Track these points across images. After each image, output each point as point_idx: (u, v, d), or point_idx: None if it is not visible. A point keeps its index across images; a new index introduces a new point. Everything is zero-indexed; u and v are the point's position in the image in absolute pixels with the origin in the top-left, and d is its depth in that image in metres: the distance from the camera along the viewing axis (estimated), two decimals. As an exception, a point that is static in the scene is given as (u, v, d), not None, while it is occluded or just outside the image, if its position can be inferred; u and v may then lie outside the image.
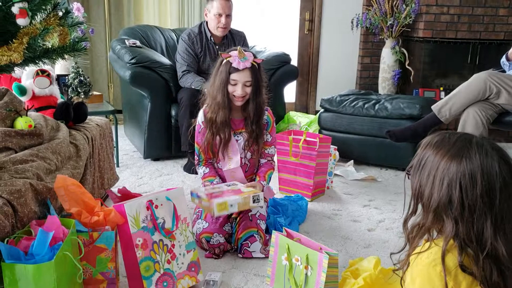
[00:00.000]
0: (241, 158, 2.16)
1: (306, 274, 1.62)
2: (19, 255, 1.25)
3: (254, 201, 1.93)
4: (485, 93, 2.70)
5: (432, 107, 2.86)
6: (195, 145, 2.21)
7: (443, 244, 1.09)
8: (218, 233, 2.00)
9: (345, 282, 1.63)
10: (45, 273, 1.22)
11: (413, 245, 1.19)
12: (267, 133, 2.22)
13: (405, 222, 1.23)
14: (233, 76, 2.04)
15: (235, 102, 2.10)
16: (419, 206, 1.19)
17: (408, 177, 1.21)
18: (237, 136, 2.18)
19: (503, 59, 2.93)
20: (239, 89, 2.05)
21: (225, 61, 2.06)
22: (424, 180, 1.14)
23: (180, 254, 1.70)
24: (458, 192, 1.07)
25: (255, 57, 2.08)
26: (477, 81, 2.72)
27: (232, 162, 2.16)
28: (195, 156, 2.22)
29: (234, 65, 2.03)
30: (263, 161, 2.25)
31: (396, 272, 1.28)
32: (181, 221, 1.73)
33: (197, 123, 2.20)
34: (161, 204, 1.67)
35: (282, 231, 1.82)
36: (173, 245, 1.68)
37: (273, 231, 1.77)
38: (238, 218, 2.08)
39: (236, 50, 2.05)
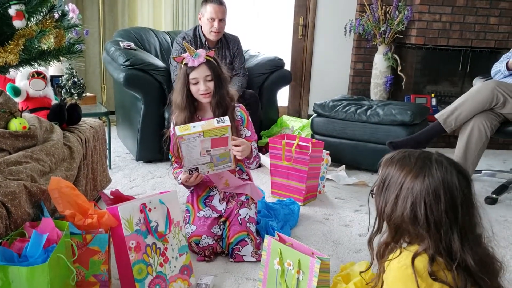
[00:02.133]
0: None
1: (297, 278, 1.63)
2: (12, 257, 1.26)
3: (218, 122, 1.91)
4: (491, 103, 2.67)
5: (436, 116, 2.83)
6: (170, 153, 2.23)
7: (415, 251, 1.14)
8: (207, 235, 2.01)
9: (336, 287, 1.65)
10: (39, 275, 1.22)
11: (382, 262, 1.22)
12: (244, 128, 2.19)
13: (370, 241, 1.28)
14: (192, 75, 2.05)
15: (202, 100, 2.10)
16: (384, 225, 1.22)
17: (372, 197, 1.25)
18: None
19: (502, 68, 2.91)
20: (201, 85, 2.05)
21: (181, 65, 2.08)
22: (389, 199, 1.17)
23: (172, 257, 1.71)
24: (423, 210, 1.11)
25: (208, 53, 2.09)
26: (485, 90, 2.69)
27: None
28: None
29: (190, 64, 2.04)
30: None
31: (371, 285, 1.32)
32: (174, 225, 1.73)
33: (170, 129, 2.20)
34: (155, 207, 1.68)
35: (274, 235, 1.83)
36: (165, 249, 1.68)
37: (265, 235, 1.78)
38: (227, 223, 2.08)
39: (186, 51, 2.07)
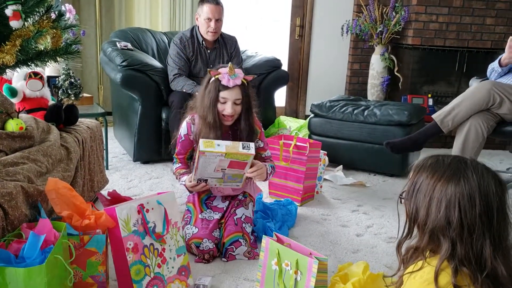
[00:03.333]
0: None
1: (295, 279, 1.63)
2: (9, 258, 1.25)
3: (243, 148, 1.87)
4: (488, 103, 2.68)
5: (433, 116, 2.83)
6: (175, 156, 2.19)
7: (437, 263, 1.09)
8: (208, 239, 2.00)
9: (334, 287, 1.66)
10: (36, 277, 1.22)
11: (407, 266, 1.19)
12: (258, 139, 2.17)
13: (399, 245, 1.23)
14: (223, 94, 1.97)
15: (223, 121, 2.03)
16: (415, 229, 1.19)
17: (401, 201, 1.22)
18: None
19: (495, 65, 2.91)
20: (228, 107, 1.98)
21: (213, 78, 1.98)
22: (420, 203, 1.14)
23: (170, 258, 1.71)
24: (457, 213, 1.07)
25: (245, 74, 2.02)
26: (481, 90, 2.70)
27: None
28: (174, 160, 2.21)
29: (224, 82, 1.95)
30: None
31: None
32: (171, 225, 1.73)
33: (179, 134, 2.14)
34: (152, 208, 1.67)
35: (272, 236, 1.83)
36: (163, 249, 1.68)
37: (263, 236, 1.77)
38: (223, 222, 2.08)
39: (225, 66, 1.97)
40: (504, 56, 2.81)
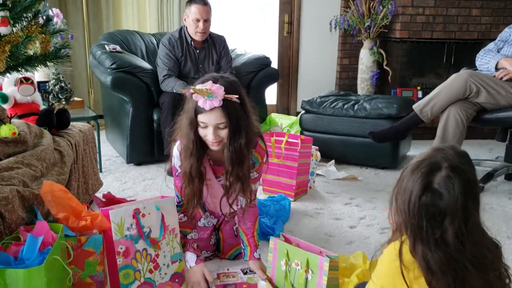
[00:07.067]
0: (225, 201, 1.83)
1: (306, 278, 1.62)
2: (9, 260, 1.27)
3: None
4: (465, 93, 2.76)
5: (413, 106, 2.92)
6: (174, 187, 1.87)
7: (399, 237, 1.15)
8: (206, 250, 1.96)
9: (339, 282, 1.65)
10: (36, 277, 1.24)
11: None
12: (253, 171, 1.82)
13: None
14: (201, 117, 1.62)
15: (210, 146, 1.70)
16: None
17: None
18: (220, 177, 1.85)
19: (488, 66, 2.93)
20: (210, 133, 1.63)
21: (190, 96, 1.63)
22: (395, 194, 1.17)
23: (164, 264, 1.67)
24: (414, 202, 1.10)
25: (229, 91, 1.59)
26: (458, 81, 2.78)
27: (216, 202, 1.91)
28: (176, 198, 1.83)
29: (200, 104, 1.58)
30: (244, 202, 1.83)
31: None
32: (168, 231, 1.68)
33: (172, 165, 1.83)
34: (149, 213, 1.62)
35: (269, 233, 1.84)
36: (157, 255, 1.64)
37: (271, 237, 1.76)
38: (220, 234, 1.99)
39: (206, 81, 1.61)
40: (501, 74, 2.81)
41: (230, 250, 1.99)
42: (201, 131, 1.66)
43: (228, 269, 1.85)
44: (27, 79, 2.26)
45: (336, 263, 1.61)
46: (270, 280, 1.76)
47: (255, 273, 1.82)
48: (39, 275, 1.24)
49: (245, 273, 1.82)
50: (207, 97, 1.56)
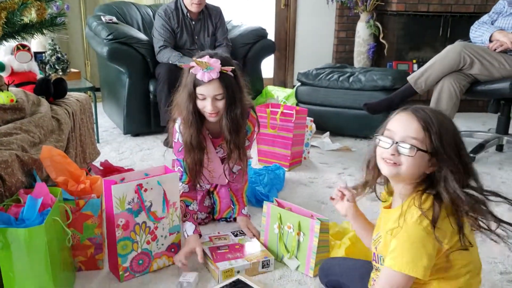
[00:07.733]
0: (224, 170, 1.96)
1: (298, 240, 1.68)
2: (10, 220, 1.31)
3: (263, 267, 1.73)
4: (459, 64, 2.78)
5: (408, 78, 2.94)
6: (176, 163, 1.94)
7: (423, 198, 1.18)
8: (200, 211, 2.02)
9: (330, 245, 1.72)
10: (36, 237, 1.28)
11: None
12: (246, 139, 1.94)
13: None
14: (199, 90, 1.73)
15: (208, 118, 1.80)
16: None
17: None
18: (217, 149, 1.97)
19: (482, 38, 2.94)
20: (208, 104, 1.74)
21: (189, 70, 1.75)
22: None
23: (161, 236, 1.68)
24: None
25: (224, 64, 1.71)
26: (452, 52, 2.80)
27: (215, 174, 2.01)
28: (178, 167, 1.92)
29: (199, 77, 1.69)
30: (235, 169, 1.97)
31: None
32: (170, 205, 1.69)
33: (175, 140, 1.89)
34: (151, 188, 1.62)
35: (264, 200, 1.90)
36: (156, 227, 1.65)
37: (264, 202, 1.82)
38: (217, 196, 2.07)
39: (204, 55, 1.71)
40: (495, 45, 2.82)
41: (227, 209, 2.07)
42: (200, 103, 1.77)
43: (219, 232, 1.91)
44: (23, 46, 2.27)
45: (327, 226, 1.67)
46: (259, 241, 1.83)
47: (245, 234, 1.89)
48: (39, 234, 1.28)
49: (236, 236, 1.88)
50: (205, 69, 1.68)
